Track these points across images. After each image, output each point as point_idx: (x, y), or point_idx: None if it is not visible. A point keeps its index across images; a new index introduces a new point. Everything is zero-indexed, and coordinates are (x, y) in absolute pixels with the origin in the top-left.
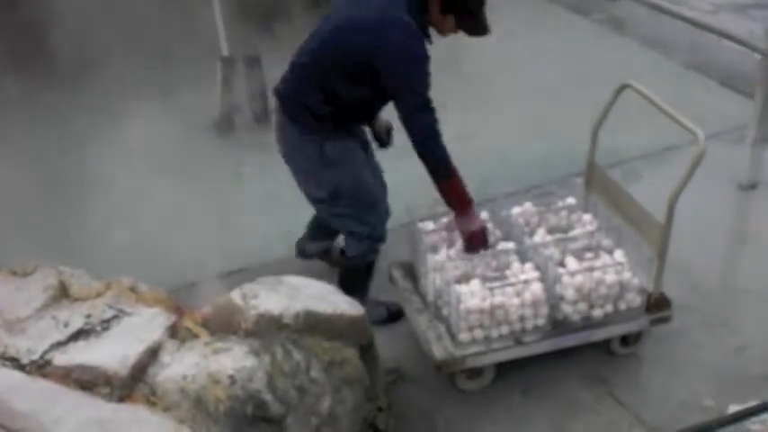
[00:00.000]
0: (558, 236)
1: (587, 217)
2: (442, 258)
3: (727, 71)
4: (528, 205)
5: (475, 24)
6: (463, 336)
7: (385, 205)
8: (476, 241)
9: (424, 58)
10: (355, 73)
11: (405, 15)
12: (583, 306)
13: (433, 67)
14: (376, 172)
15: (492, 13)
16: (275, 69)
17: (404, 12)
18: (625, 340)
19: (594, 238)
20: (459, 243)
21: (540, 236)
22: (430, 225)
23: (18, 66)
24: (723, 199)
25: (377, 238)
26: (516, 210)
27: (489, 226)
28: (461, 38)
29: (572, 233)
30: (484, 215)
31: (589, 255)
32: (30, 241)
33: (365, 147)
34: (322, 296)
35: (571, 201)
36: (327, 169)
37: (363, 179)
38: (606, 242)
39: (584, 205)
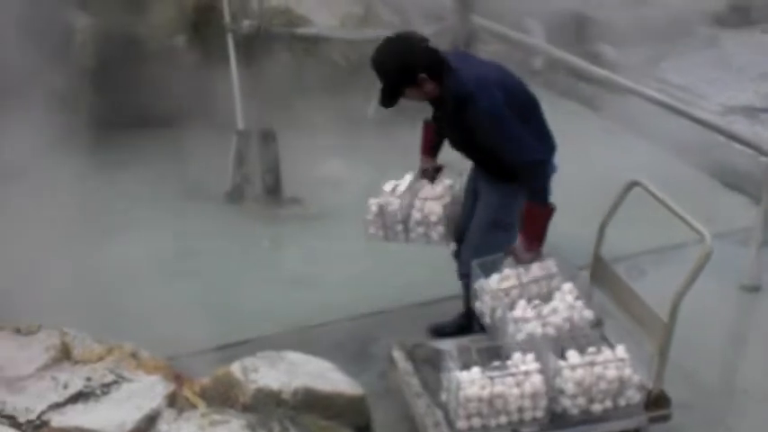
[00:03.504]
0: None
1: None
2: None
3: (735, 172)
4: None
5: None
6: (461, 424)
7: None
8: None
9: None
10: None
11: None
12: (582, 400)
13: None
14: None
15: None
16: (290, 144)
17: None
18: None
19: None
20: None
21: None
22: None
23: None
24: (726, 299)
25: None
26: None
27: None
28: None
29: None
30: None
31: (591, 349)
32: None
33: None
34: (321, 374)
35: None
36: None
37: None
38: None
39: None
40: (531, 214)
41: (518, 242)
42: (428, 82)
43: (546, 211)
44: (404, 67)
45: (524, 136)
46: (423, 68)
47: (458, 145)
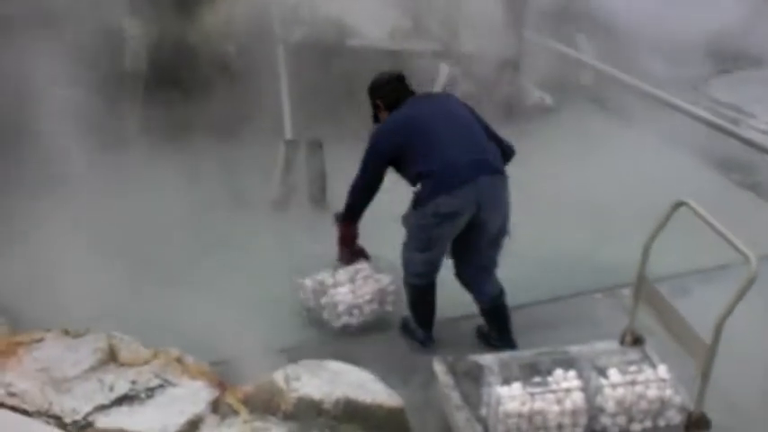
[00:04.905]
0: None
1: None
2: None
3: None
4: None
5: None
6: None
7: None
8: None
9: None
10: None
11: None
12: (622, 419)
13: None
14: None
15: (547, 122)
16: (336, 154)
17: None
18: None
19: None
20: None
21: None
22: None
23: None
24: None
25: None
26: None
27: None
28: None
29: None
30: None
31: (633, 368)
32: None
33: None
34: (362, 384)
35: None
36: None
37: None
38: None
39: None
40: (338, 225)
41: None
42: (382, 109)
43: (340, 225)
44: (370, 91)
45: (364, 173)
46: (380, 97)
47: None
